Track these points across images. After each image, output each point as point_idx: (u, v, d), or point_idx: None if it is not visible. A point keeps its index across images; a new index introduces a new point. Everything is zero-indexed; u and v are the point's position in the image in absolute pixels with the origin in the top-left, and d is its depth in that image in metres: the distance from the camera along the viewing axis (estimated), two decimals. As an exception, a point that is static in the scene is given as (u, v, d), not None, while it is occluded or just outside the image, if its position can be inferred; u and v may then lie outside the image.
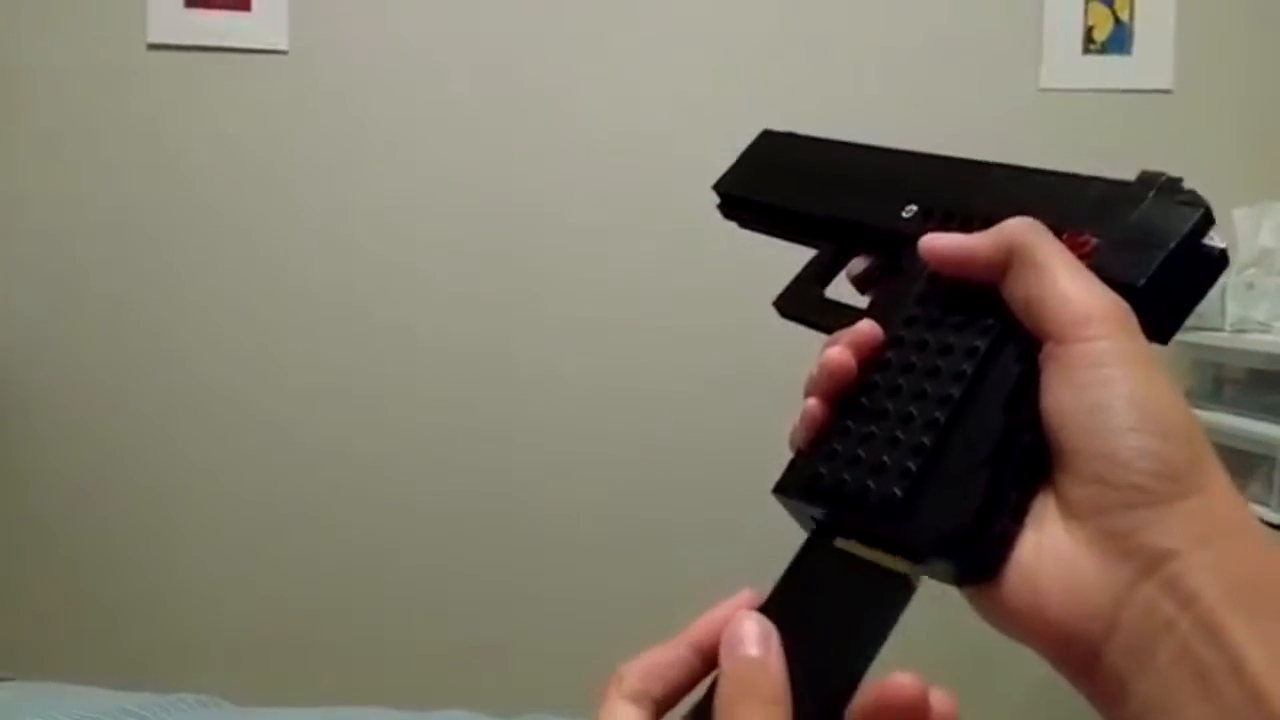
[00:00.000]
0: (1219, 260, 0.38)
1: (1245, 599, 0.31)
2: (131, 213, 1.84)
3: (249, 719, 1.20)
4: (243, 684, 1.54)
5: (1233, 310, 1.57)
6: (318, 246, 1.84)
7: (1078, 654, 0.33)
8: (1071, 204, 0.40)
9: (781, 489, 0.39)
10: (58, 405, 1.86)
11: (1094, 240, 0.38)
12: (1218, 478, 0.33)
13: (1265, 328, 1.55)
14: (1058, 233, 0.38)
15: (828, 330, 0.43)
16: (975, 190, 0.44)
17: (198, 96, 1.83)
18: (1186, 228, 0.37)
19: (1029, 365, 0.36)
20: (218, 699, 1.26)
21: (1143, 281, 0.36)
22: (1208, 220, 0.38)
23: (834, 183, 0.49)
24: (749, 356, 1.81)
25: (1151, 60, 1.81)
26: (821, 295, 0.47)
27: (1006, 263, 0.37)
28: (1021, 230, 0.37)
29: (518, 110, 1.83)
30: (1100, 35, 1.81)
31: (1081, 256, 0.37)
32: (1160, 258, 0.37)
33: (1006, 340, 0.37)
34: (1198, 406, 1.64)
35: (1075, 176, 0.41)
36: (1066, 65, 1.82)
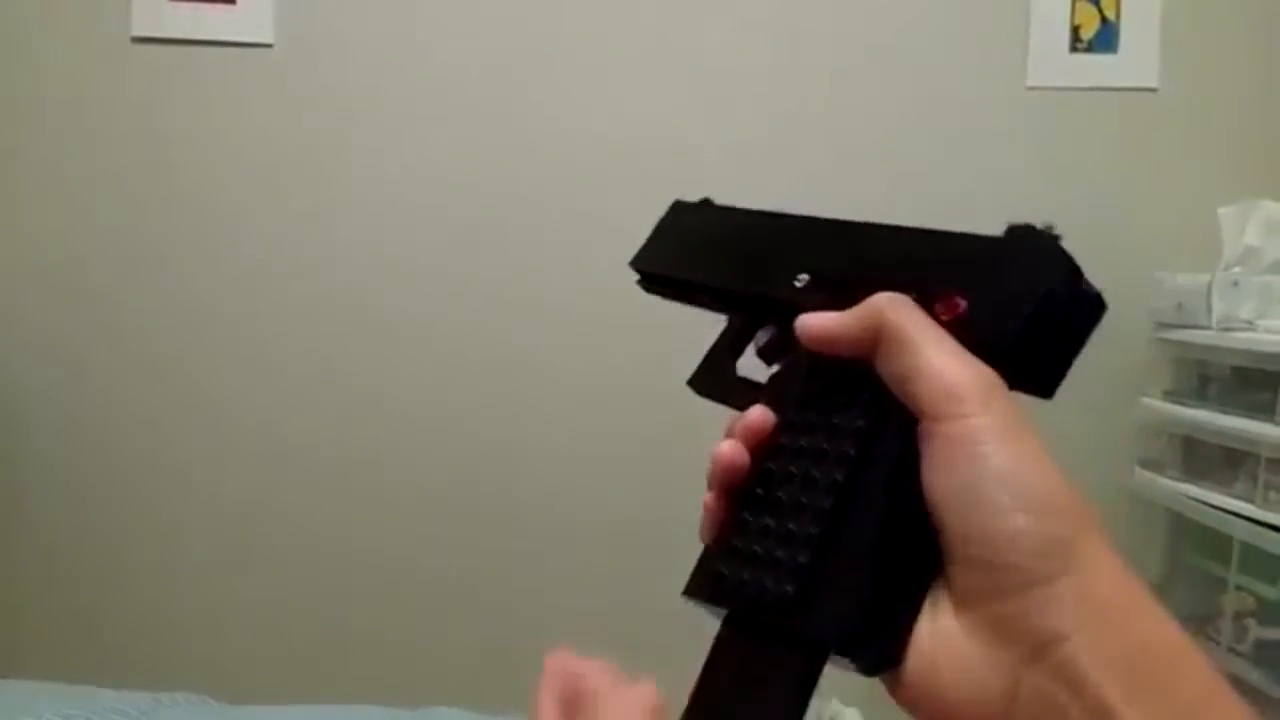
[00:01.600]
0: (1095, 305, 0.37)
1: (1134, 679, 0.31)
2: (116, 207, 1.82)
3: (237, 717, 1.20)
4: (234, 682, 1.53)
5: (1218, 308, 1.58)
6: (304, 241, 1.84)
7: None
8: (947, 264, 0.39)
9: (688, 592, 0.40)
10: (44, 402, 1.84)
11: (963, 303, 0.37)
12: (1099, 550, 0.33)
13: (1250, 325, 1.56)
14: (931, 298, 0.37)
15: (740, 408, 0.42)
16: (861, 254, 0.43)
17: (182, 90, 1.81)
18: (1049, 282, 0.36)
19: (909, 443, 0.35)
20: (208, 697, 1.25)
21: (1011, 342, 0.36)
22: (1071, 270, 0.37)
23: (739, 252, 0.49)
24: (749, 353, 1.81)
25: (1138, 59, 1.81)
26: (733, 372, 0.47)
27: (874, 340, 0.36)
28: (885, 306, 0.37)
29: (506, 103, 1.82)
30: (1087, 34, 1.82)
31: (952, 321, 0.36)
32: (1026, 315, 0.36)
33: (886, 418, 0.36)
34: (1182, 404, 1.65)
35: (956, 235, 0.40)
36: (1053, 64, 1.82)
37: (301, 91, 1.82)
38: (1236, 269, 1.63)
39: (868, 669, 0.35)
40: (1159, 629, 0.33)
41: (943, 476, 0.33)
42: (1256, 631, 1.45)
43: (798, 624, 0.35)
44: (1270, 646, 1.42)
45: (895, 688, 0.35)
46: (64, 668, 1.48)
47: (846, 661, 0.35)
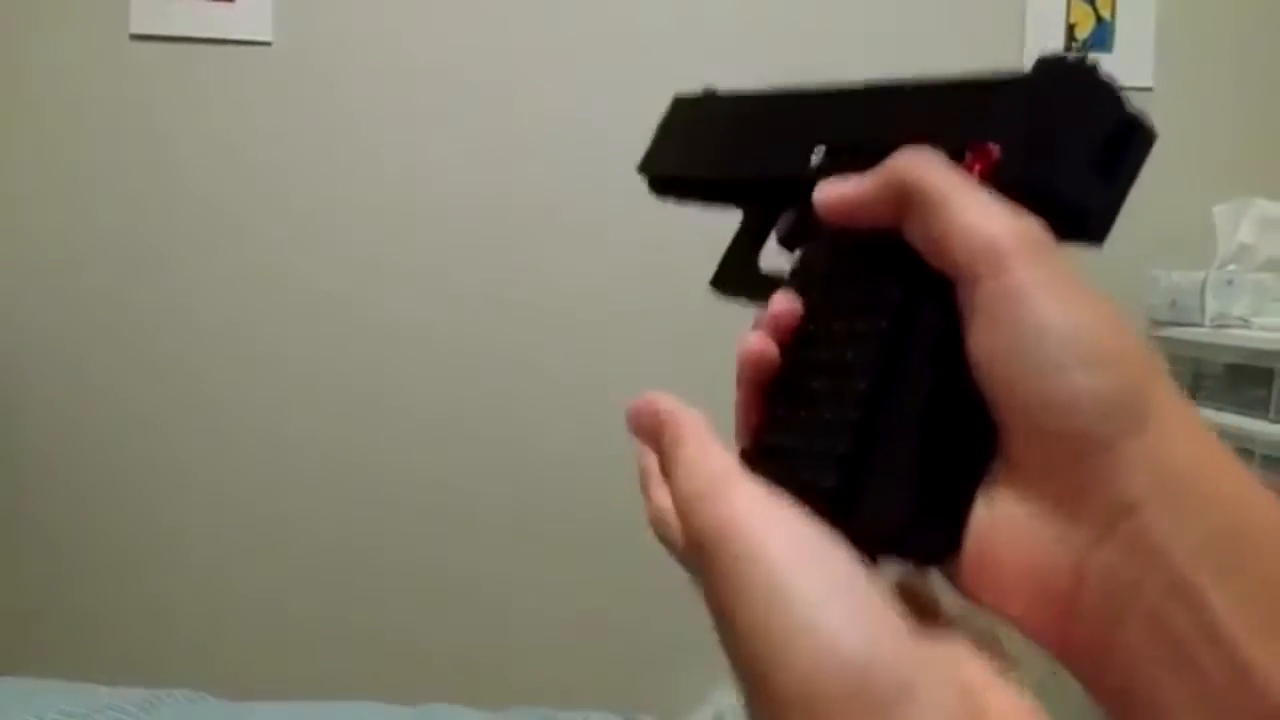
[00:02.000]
0: (1142, 132, 0.33)
1: (1218, 551, 0.27)
2: (115, 205, 1.82)
3: (236, 714, 1.20)
4: (233, 680, 1.53)
5: (1212, 305, 1.59)
6: (303, 239, 1.84)
7: (1048, 632, 0.29)
8: (975, 111, 0.34)
9: None
10: (41, 400, 1.84)
11: (996, 150, 0.32)
12: (1174, 406, 0.29)
13: (1244, 323, 1.57)
14: (960, 150, 0.33)
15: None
16: (879, 115, 0.39)
17: (181, 88, 1.81)
18: (1087, 111, 0.32)
19: (950, 312, 0.31)
20: (205, 695, 1.26)
21: (1055, 182, 0.32)
22: (1110, 97, 0.33)
23: (748, 138, 0.45)
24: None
25: (1133, 58, 1.82)
26: (756, 266, 0.43)
27: (900, 203, 0.32)
28: (908, 165, 0.33)
29: (505, 101, 1.83)
30: (1082, 33, 1.83)
31: (986, 171, 0.32)
32: (1068, 150, 0.32)
33: (923, 288, 0.32)
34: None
35: (983, 80, 0.35)
36: (1049, 62, 1.83)
37: (300, 89, 1.82)
38: (1231, 267, 1.64)
39: (921, 560, 0.32)
40: (1246, 495, 0.28)
41: (988, 341, 0.30)
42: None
43: (845, 521, 0.31)
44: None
45: (954, 576, 0.32)
46: (62, 665, 1.48)
47: (897, 556, 0.32)
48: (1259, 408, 1.47)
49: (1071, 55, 0.33)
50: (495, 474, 1.86)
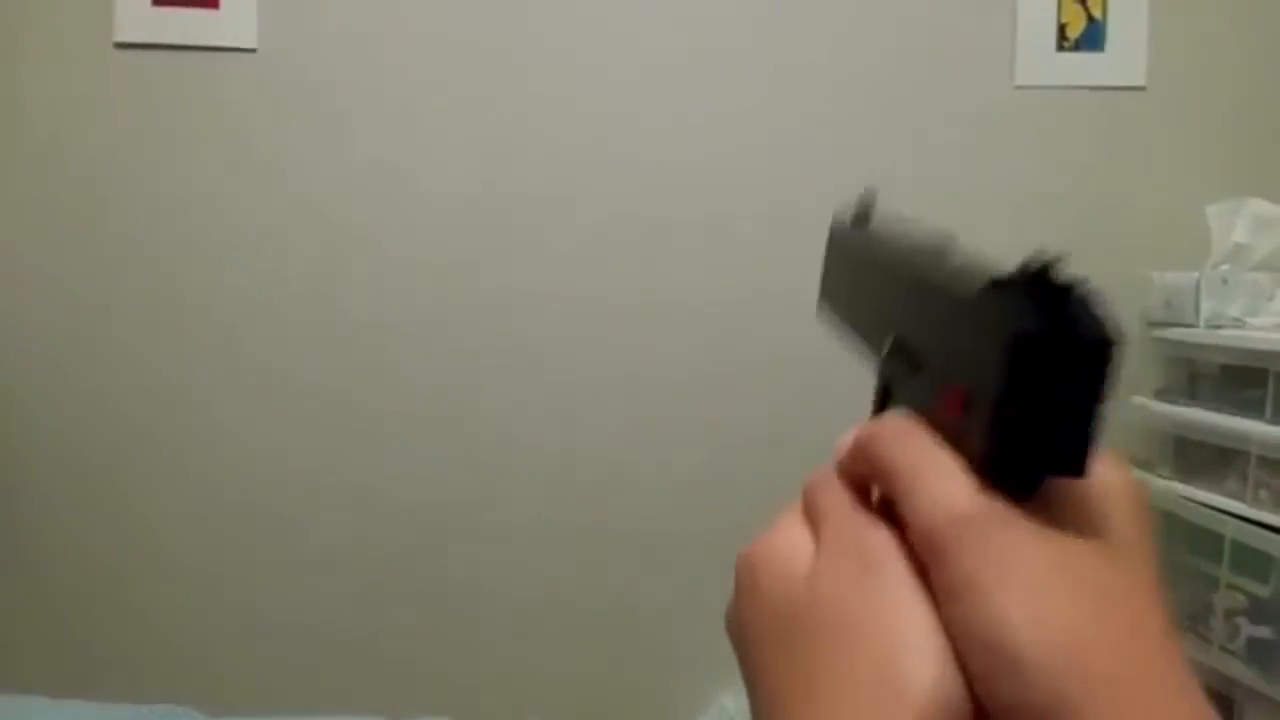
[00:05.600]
0: (1095, 348, 0.29)
1: None
2: (100, 213, 1.81)
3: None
4: (219, 695, 1.52)
5: (1207, 306, 1.58)
6: (289, 245, 1.82)
7: None
8: (964, 341, 0.32)
9: None
10: (30, 410, 1.83)
11: (964, 394, 0.31)
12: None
13: (1239, 323, 1.56)
14: (940, 389, 0.32)
15: None
16: (920, 321, 0.37)
17: (166, 96, 1.80)
18: (1010, 339, 0.28)
19: None
20: (192, 710, 1.25)
21: (992, 441, 0.29)
22: (1047, 310, 0.29)
23: (859, 309, 0.45)
24: (745, 352, 1.81)
25: (1125, 57, 1.81)
26: None
27: (873, 474, 0.33)
28: (875, 438, 0.33)
29: (491, 105, 1.82)
30: (1074, 32, 1.82)
31: (957, 413, 0.31)
32: (997, 397, 0.29)
33: None
34: (1172, 403, 1.65)
35: (988, 288, 0.31)
36: (1041, 62, 1.82)
37: (285, 96, 1.81)
38: (1225, 267, 1.63)
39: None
40: None
41: (942, 619, 0.29)
42: (1248, 630, 1.44)
43: None
44: (1262, 644, 1.42)
45: None
46: (49, 681, 1.47)
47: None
48: (1255, 408, 1.46)
49: (1023, 263, 0.30)
50: (492, 478, 1.85)
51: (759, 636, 0.32)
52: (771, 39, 1.82)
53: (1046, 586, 0.27)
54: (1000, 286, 0.30)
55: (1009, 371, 0.28)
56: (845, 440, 0.35)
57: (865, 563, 0.30)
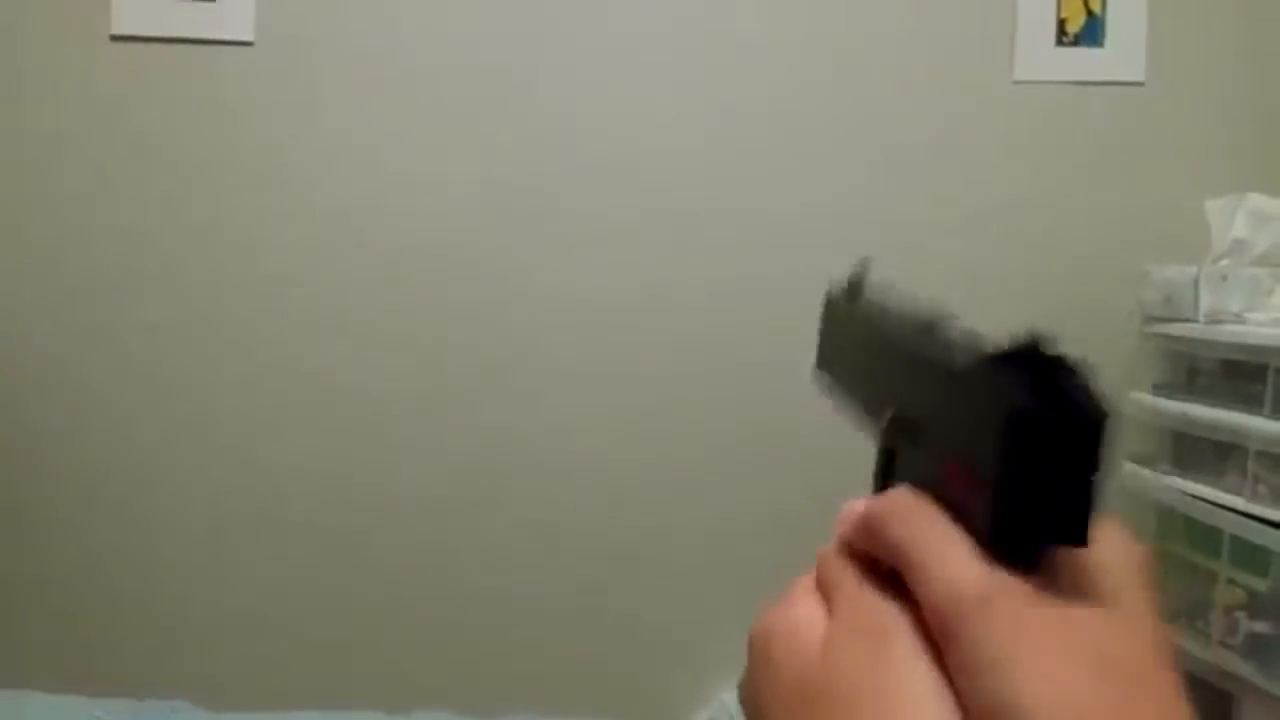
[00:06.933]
0: (1090, 423, 0.30)
1: None
2: (95, 206, 1.80)
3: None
4: (218, 690, 1.52)
5: (1206, 301, 1.58)
6: (286, 239, 1.82)
7: None
8: (964, 421, 0.33)
9: None
10: (26, 406, 1.82)
11: (966, 472, 0.32)
12: None
13: (1238, 318, 1.56)
14: (948, 465, 0.33)
15: None
16: (920, 395, 0.37)
17: (162, 89, 1.79)
18: (1001, 420, 0.29)
19: None
20: (188, 705, 1.24)
21: (996, 517, 0.30)
22: (1037, 386, 0.29)
23: (858, 381, 0.45)
24: (744, 352, 1.81)
25: (1124, 52, 1.81)
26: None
27: (879, 550, 0.34)
28: (882, 517, 0.34)
29: (488, 99, 1.81)
30: (1073, 28, 1.82)
31: (960, 488, 0.32)
32: (998, 473, 0.30)
33: None
34: (1171, 398, 1.64)
35: (986, 364, 0.32)
36: (1040, 57, 1.82)
37: (283, 89, 1.80)
38: (1224, 262, 1.63)
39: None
40: None
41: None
42: (1247, 625, 1.45)
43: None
44: (1261, 639, 1.42)
45: None
46: (48, 676, 1.47)
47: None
48: (1254, 403, 1.46)
49: (1012, 339, 0.31)
50: (491, 474, 1.84)
51: (773, 708, 0.33)
52: (769, 36, 1.82)
53: (1056, 659, 0.28)
54: (995, 362, 0.31)
55: (1008, 448, 0.29)
56: (853, 509, 0.36)
57: (877, 636, 0.31)
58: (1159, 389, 1.69)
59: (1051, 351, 0.30)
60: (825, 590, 0.35)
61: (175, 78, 1.79)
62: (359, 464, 1.84)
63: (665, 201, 1.81)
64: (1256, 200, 1.63)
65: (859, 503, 0.36)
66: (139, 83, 1.79)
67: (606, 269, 1.82)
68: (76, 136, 1.80)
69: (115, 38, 1.78)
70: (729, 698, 1.74)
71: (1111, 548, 0.32)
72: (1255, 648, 1.43)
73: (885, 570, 0.33)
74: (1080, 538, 0.30)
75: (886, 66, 1.82)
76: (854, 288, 0.50)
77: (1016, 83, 1.82)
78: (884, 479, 0.39)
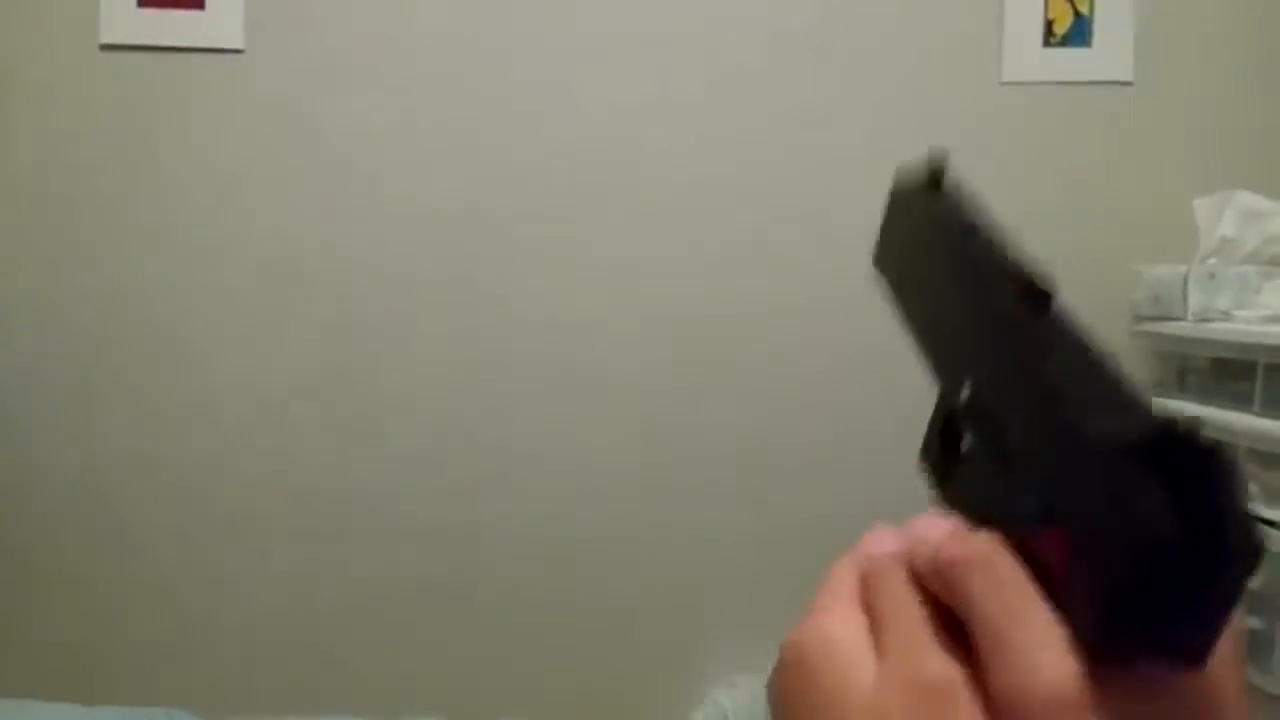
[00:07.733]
0: (1244, 559, 0.26)
1: None
2: (85, 214, 1.80)
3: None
4: (213, 698, 1.51)
5: (1195, 299, 1.58)
6: (275, 247, 1.82)
7: None
8: (1063, 474, 0.28)
9: None
10: (14, 413, 1.82)
11: (1065, 545, 0.27)
12: None
13: (1227, 316, 1.56)
14: (1049, 531, 0.28)
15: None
16: (1011, 388, 0.32)
17: (152, 97, 1.79)
18: (1149, 529, 0.25)
19: None
20: (186, 714, 1.24)
21: (1102, 622, 0.26)
22: (1194, 509, 0.25)
23: (932, 314, 0.39)
24: (741, 357, 1.81)
25: (1112, 52, 1.82)
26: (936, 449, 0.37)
27: (955, 602, 0.30)
28: (965, 578, 0.29)
29: (479, 108, 1.81)
30: (1060, 28, 1.82)
31: (1057, 560, 0.28)
32: (1120, 580, 0.25)
33: None
34: (1161, 396, 1.65)
35: (1107, 402, 0.28)
36: (1027, 58, 1.82)
37: (272, 97, 1.80)
38: (1212, 260, 1.63)
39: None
40: None
41: None
42: (1240, 621, 1.45)
43: None
44: (1253, 636, 1.42)
45: None
46: (42, 684, 1.46)
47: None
48: (1243, 401, 1.46)
49: (1198, 445, 0.25)
50: (486, 479, 1.84)
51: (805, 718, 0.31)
52: (756, 39, 1.82)
53: None
54: (1140, 453, 0.25)
55: (1141, 571, 0.25)
56: (926, 530, 0.32)
57: (938, 702, 0.28)
58: (1149, 388, 1.69)
59: (1205, 446, 0.25)
60: (874, 617, 0.32)
61: (164, 87, 1.79)
62: (357, 474, 1.83)
63: (660, 208, 1.81)
64: (1244, 198, 1.64)
65: (933, 524, 0.32)
66: (128, 92, 1.79)
67: (606, 275, 1.82)
68: (66, 146, 1.79)
69: (104, 47, 1.78)
70: (724, 698, 1.75)
71: (1225, 672, 0.28)
72: (1248, 644, 1.43)
73: (945, 610, 0.30)
74: (1197, 663, 0.27)
75: (874, 68, 1.82)
76: (934, 176, 0.42)
77: (1004, 83, 1.82)
78: (943, 463, 0.35)
